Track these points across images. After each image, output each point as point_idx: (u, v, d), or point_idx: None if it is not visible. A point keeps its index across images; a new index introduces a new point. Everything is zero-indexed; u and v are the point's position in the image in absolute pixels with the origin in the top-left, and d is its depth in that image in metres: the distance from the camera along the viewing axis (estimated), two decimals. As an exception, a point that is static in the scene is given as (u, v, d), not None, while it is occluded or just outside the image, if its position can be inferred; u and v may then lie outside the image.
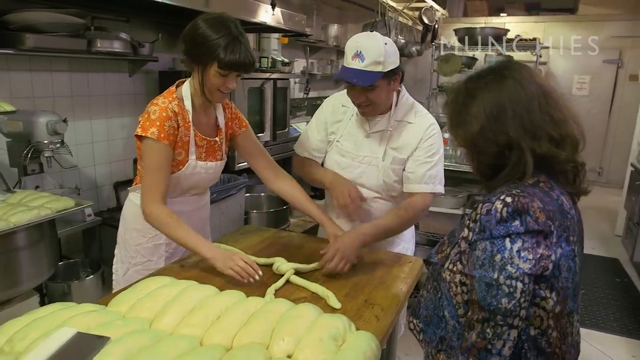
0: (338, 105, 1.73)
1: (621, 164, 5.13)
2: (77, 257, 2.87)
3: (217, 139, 1.57)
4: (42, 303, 2.35)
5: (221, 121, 1.59)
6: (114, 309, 1.03)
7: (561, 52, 6.11)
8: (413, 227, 1.87)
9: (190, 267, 1.44)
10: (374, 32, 1.55)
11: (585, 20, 6.13)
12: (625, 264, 3.90)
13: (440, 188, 1.64)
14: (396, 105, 1.62)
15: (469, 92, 0.93)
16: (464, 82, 0.96)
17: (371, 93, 1.51)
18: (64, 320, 0.91)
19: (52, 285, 2.38)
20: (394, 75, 1.52)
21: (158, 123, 1.37)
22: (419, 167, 1.60)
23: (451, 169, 2.83)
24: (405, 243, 1.81)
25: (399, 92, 1.63)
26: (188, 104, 1.46)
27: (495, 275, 0.79)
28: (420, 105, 1.69)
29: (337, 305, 1.21)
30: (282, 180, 1.67)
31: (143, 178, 1.39)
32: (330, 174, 1.68)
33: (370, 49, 1.45)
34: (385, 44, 1.47)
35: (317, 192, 1.76)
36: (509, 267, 0.78)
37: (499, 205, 0.81)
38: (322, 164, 1.77)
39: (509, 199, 0.80)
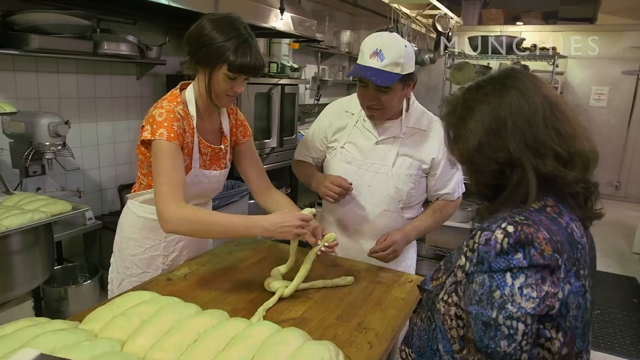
0: (342, 110, 1.66)
1: (640, 179, 4.96)
2: (79, 260, 2.85)
3: (222, 146, 1.50)
4: (38, 307, 2.32)
5: (226, 128, 1.53)
6: (87, 326, 0.97)
7: (578, 61, 5.97)
8: (415, 245, 1.79)
9: (177, 280, 1.38)
10: (394, 32, 1.50)
11: (604, 30, 5.97)
12: (642, 284, 3.74)
13: (463, 187, 1.68)
14: (407, 111, 1.57)
15: (466, 104, 0.85)
16: (462, 92, 0.88)
17: (385, 95, 1.45)
18: (29, 340, 0.85)
19: (48, 290, 2.35)
20: (409, 80, 1.47)
21: (166, 124, 1.30)
22: (450, 180, 1.62)
23: (460, 181, 2.73)
24: (409, 260, 1.74)
25: (408, 99, 1.58)
26: (192, 109, 1.40)
27: (494, 314, 0.70)
28: (429, 112, 1.64)
29: (348, 280, 1.39)
30: (273, 196, 1.60)
31: (157, 183, 1.28)
32: (319, 178, 1.65)
33: (391, 49, 1.40)
34: (405, 46, 1.43)
35: (321, 200, 1.70)
36: (509, 306, 0.69)
37: (499, 234, 0.72)
38: (322, 171, 1.73)
39: (510, 228, 0.72)
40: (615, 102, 6.20)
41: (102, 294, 2.57)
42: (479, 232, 0.75)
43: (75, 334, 0.89)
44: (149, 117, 1.34)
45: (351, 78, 4.91)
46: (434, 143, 1.56)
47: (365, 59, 1.42)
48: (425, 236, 2.84)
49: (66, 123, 2.45)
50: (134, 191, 1.50)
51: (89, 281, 2.47)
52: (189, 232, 1.28)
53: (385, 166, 1.56)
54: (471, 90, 0.86)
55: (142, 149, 1.38)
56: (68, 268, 2.63)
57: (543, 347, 0.74)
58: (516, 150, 0.78)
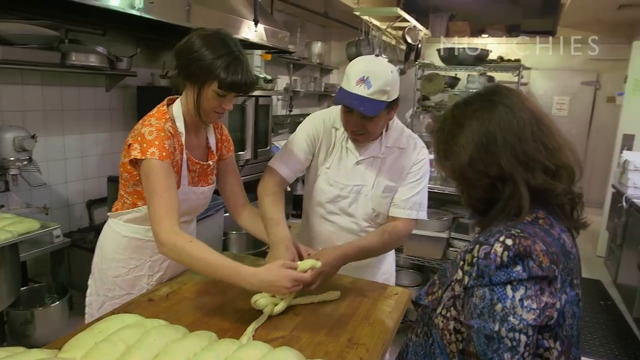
0: (329, 126, 1.58)
1: (600, 184, 5.18)
2: (45, 280, 2.71)
3: (210, 162, 1.47)
4: (2, 333, 2.19)
5: (212, 143, 1.50)
6: (67, 355, 0.92)
7: (541, 72, 6.22)
8: (394, 253, 1.80)
9: (159, 300, 1.33)
10: (380, 56, 1.47)
11: (564, 43, 6.25)
12: (608, 286, 3.88)
13: (423, 215, 1.59)
14: (386, 130, 1.55)
15: (455, 120, 0.86)
16: (451, 109, 0.89)
17: (370, 122, 1.41)
18: (6, 373, 0.80)
19: (13, 313, 2.23)
20: (394, 105, 1.44)
21: (157, 142, 1.26)
22: (406, 192, 1.56)
23: (436, 190, 2.77)
24: (387, 272, 1.74)
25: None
26: (181, 125, 1.36)
27: (497, 327, 0.71)
28: (407, 129, 1.63)
29: (335, 295, 1.35)
30: (249, 213, 1.58)
31: (151, 204, 1.23)
32: (274, 239, 1.39)
33: (378, 76, 1.35)
34: (392, 71, 1.39)
35: (298, 211, 1.66)
36: (511, 319, 0.70)
37: (498, 248, 0.73)
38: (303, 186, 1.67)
39: (509, 242, 0.73)
40: (575, 111, 6.48)
41: (71, 315, 2.45)
42: (477, 246, 0.76)
43: (56, 364, 0.84)
44: (136, 135, 1.29)
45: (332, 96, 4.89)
46: (410, 161, 1.56)
47: (352, 85, 1.37)
48: (402, 246, 2.85)
49: (32, 137, 2.35)
50: (116, 210, 1.44)
51: (57, 302, 2.36)
52: (177, 260, 1.24)
53: (365, 187, 1.55)
54: (459, 106, 0.88)
55: (128, 167, 1.33)
56: (34, 289, 2.50)
57: (542, 357, 0.75)
58: (507, 165, 0.79)
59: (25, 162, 2.36)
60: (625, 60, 4.65)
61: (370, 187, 1.55)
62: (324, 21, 5.52)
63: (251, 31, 3.17)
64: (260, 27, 3.25)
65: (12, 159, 2.29)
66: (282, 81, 5.21)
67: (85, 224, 3.03)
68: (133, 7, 2.24)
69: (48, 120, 2.74)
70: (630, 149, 4.33)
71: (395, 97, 1.41)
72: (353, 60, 1.44)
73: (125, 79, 3.06)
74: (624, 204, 3.53)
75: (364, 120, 1.40)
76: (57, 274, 2.75)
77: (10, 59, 2.27)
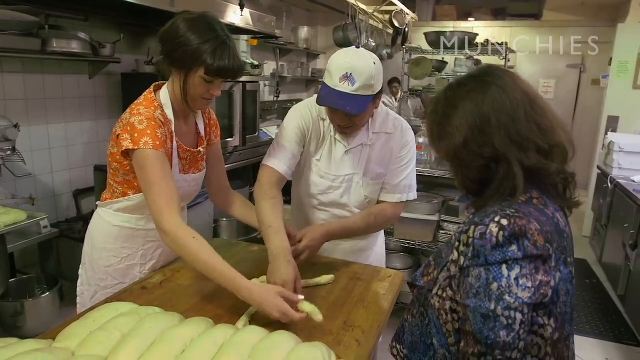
0: (316, 116, 1.53)
1: (585, 166, 5.25)
2: (33, 271, 2.68)
3: (200, 149, 1.45)
4: (-9, 325, 2.17)
5: (202, 129, 1.47)
6: (62, 344, 0.91)
7: (527, 56, 6.25)
8: (383, 237, 1.81)
9: (153, 288, 1.32)
10: (361, 49, 1.40)
11: (549, 26, 6.28)
12: (593, 265, 3.98)
13: (412, 195, 1.61)
14: (372, 116, 1.52)
15: (449, 102, 0.86)
16: (444, 91, 0.89)
17: (356, 117, 1.38)
18: (1, 364, 0.79)
19: (2, 305, 2.20)
20: (379, 95, 1.41)
21: (149, 132, 1.22)
22: (394, 177, 1.56)
23: (425, 174, 2.79)
24: (378, 253, 1.76)
25: None
26: (169, 112, 1.33)
27: (492, 306, 0.72)
28: (392, 112, 1.61)
29: (329, 278, 1.36)
30: (231, 198, 1.59)
31: (150, 194, 1.21)
32: (274, 251, 1.30)
33: (362, 72, 1.32)
34: (374, 63, 1.35)
35: (287, 198, 1.63)
36: (507, 297, 0.71)
37: (494, 228, 0.74)
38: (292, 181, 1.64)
39: (505, 222, 0.73)
40: (561, 94, 6.54)
41: (62, 306, 2.44)
42: (472, 227, 0.77)
43: (52, 354, 0.83)
44: (125, 124, 1.25)
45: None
46: (398, 146, 1.55)
47: (335, 82, 1.33)
48: (392, 229, 2.87)
49: (15, 126, 2.30)
50: (105, 199, 1.41)
51: (48, 293, 2.34)
52: (177, 253, 1.21)
53: (356, 175, 1.55)
54: (452, 88, 0.88)
55: (118, 157, 1.29)
56: (23, 280, 2.47)
57: (537, 334, 0.77)
58: (501, 145, 0.80)
59: (8, 152, 2.31)
60: (610, 43, 4.69)
61: (361, 174, 1.54)
62: (310, 6, 5.45)
63: (237, 16, 3.12)
64: (246, 11, 3.20)
65: (-6, 149, 2.24)
66: (269, 67, 5.16)
67: (73, 214, 2.99)
68: (116, -9, 2.19)
69: (30, 109, 2.67)
70: (615, 130, 4.39)
71: (379, 88, 1.39)
72: (334, 55, 1.39)
73: (109, 65, 2.99)
74: (609, 184, 3.59)
75: (351, 115, 1.37)
76: (46, 265, 2.72)
77: (-11, 46, 2.21)
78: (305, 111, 1.54)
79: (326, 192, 1.57)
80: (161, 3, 2.46)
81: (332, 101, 1.34)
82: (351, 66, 1.32)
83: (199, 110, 1.44)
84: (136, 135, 1.22)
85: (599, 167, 4.22)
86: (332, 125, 1.52)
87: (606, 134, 4.31)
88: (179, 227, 1.18)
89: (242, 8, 3.10)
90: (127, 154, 1.26)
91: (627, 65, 4.39)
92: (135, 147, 1.21)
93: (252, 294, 1.10)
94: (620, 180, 3.48)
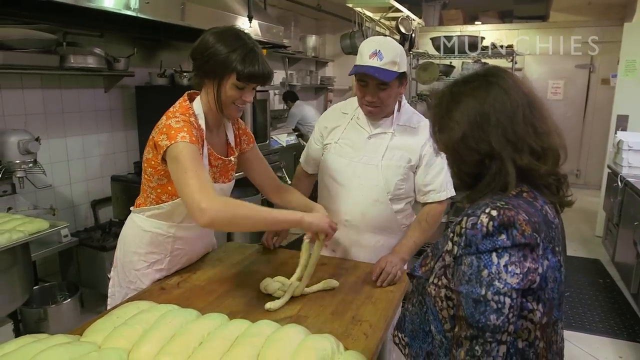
0: (338, 112, 1.76)
1: (598, 166, 5.23)
2: (54, 280, 2.78)
3: (231, 158, 1.51)
4: (17, 330, 2.26)
5: (232, 139, 1.53)
6: (88, 338, 0.98)
7: (535, 57, 6.25)
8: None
9: (170, 288, 1.39)
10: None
11: (556, 27, 6.28)
12: (606, 265, 3.96)
13: (451, 192, 1.68)
14: (399, 110, 1.66)
15: (453, 97, 0.91)
16: (450, 86, 0.94)
17: (384, 92, 1.54)
18: (34, 355, 0.86)
19: (27, 311, 2.29)
20: (403, 79, 1.58)
21: (185, 129, 1.27)
22: (437, 177, 1.65)
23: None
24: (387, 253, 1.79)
25: (400, 100, 1.67)
26: (202, 122, 1.38)
27: (483, 292, 0.77)
28: (418, 113, 1.73)
29: (334, 284, 1.40)
30: (287, 195, 1.65)
31: (183, 180, 1.20)
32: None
33: (389, 49, 1.51)
34: (400, 48, 1.55)
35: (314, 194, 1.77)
36: (496, 283, 0.76)
37: (484, 219, 0.79)
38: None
39: (494, 212, 0.78)
40: (570, 94, 6.52)
41: (83, 312, 2.52)
42: (464, 218, 0.82)
43: (80, 347, 0.90)
44: (162, 127, 1.30)
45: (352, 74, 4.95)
46: (422, 139, 1.63)
47: (365, 60, 1.51)
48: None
49: (37, 139, 2.41)
50: (139, 205, 1.47)
51: (69, 300, 2.42)
52: (226, 222, 1.21)
53: (375, 157, 1.63)
54: (458, 84, 0.93)
55: (153, 162, 1.34)
56: (45, 288, 2.56)
57: (526, 319, 0.81)
58: (497, 144, 0.85)
59: (30, 165, 2.42)
60: (618, 42, 4.68)
61: (381, 157, 1.62)
62: (317, 14, 5.55)
63: (246, 27, 3.21)
64: (255, 22, 3.29)
65: (17, 161, 2.34)
66: (279, 76, 5.25)
67: (91, 223, 3.09)
68: (129, 8, 2.29)
69: (49, 122, 2.79)
70: (624, 129, 4.37)
71: (404, 69, 1.55)
72: (364, 41, 1.59)
73: (123, 79, 3.10)
74: (619, 183, 3.59)
75: (378, 90, 1.54)
76: (67, 273, 2.81)
77: (10, 63, 2.32)
78: (328, 112, 1.83)
79: (343, 170, 1.66)
80: (172, 17, 2.56)
81: (364, 70, 1.51)
82: (379, 44, 1.52)
83: (233, 117, 1.48)
84: (172, 132, 1.26)
85: (609, 166, 4.21)
86: (355, 113, 1.68)
87: (616, 132, 4.30)
88: (219, 198, 1.21)
89: (250, 19, 3.19)
90: (164, 160, 1.28)
91: (635, 63, 4.38)
92: (172, 142, 1.24)
93: (311, 217, 1.37)
94: (630, 179, 3.47)
